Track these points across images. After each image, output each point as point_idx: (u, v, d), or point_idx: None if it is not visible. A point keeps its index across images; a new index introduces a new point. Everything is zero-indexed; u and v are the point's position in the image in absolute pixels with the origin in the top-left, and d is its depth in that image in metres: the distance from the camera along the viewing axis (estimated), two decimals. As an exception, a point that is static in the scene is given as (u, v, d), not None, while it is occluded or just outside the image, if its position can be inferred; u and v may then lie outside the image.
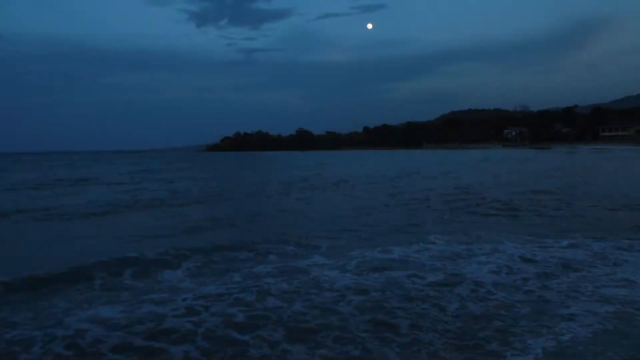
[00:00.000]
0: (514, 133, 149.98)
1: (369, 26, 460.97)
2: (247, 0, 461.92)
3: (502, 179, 29.57)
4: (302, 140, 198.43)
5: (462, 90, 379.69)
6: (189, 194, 23.61)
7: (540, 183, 25.78)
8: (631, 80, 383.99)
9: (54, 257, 10.06)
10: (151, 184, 30.83)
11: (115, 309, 6.72)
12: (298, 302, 6.95)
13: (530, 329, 6.08)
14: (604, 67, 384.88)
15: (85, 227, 14.33)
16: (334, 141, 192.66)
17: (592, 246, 10.36)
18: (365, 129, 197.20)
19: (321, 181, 31.11)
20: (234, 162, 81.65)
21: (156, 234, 12.72)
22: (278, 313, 6.55)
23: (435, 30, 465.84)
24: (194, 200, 21.20)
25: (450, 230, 12.45)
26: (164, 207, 18.41)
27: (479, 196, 19.96)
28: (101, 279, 8.26)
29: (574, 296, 7.27)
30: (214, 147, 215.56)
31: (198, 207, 18.74)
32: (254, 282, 7.92)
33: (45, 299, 7.24)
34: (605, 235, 11.53)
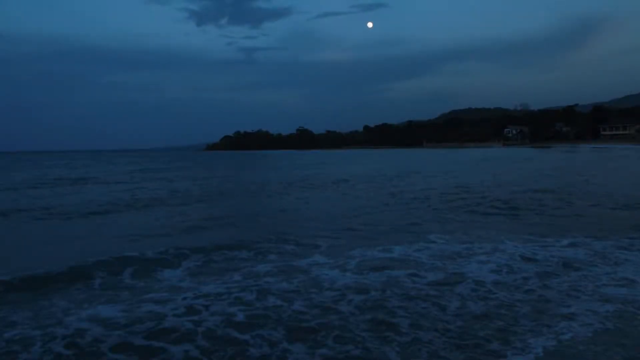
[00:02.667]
0: (514, 132, 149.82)
1: (369, 25, 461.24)
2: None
3: (502, 178, 29.54)
4: (303, 139, 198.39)
5: (463, 89, 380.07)
6: (189, 194, 23.61)
7: (541, 182, 25.76)
8: (632, 80, 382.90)
9: (53, 256, 10.07)
10: (151, 183, 30.84)
11: (115, 308, 6.71)
12: (298, 301, 6.95)
13: (530, 328, 6.07)
14: (604, 66, 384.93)
15: (85, 226, 14.33)
16: (334, 140, 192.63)
17: (592, 245, 10.34)
18: (366, 128, 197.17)
19: (321, 180, 31.10)
20: (234, 161, 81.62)
21: (156, 233, 12.71)
22: (278, 312, 6.54)
23: (436, 30, 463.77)
24: (194, 199, 21.19)
25: (451, 230, 12.44)
26: (163, 207, 18.41)
27: (479, 195, 19.94)
28: (101, 278, 8.26)
29: (574, 295, 7.25)
30: (214, 146, 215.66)
31: (198, 207, 18.73)
32: (254, 281, 7.92)
33: (45, 299, 7.24)
34: (606, 234, 11.52)
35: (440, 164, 51.70)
